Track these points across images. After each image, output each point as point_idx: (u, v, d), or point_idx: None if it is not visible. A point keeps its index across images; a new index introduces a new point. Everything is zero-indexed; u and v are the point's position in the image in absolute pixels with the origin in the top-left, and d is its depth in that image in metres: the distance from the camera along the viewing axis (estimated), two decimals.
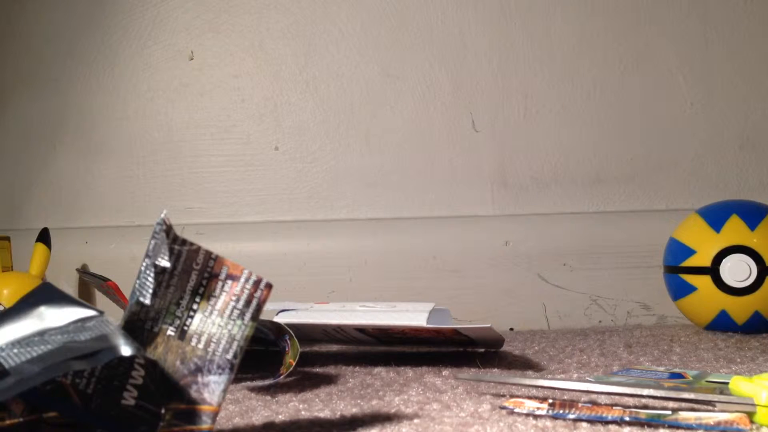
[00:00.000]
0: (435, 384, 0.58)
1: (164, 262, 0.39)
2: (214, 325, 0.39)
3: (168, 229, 0.39)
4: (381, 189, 1.04)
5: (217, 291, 0.39)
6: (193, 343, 0.39)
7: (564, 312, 1.00)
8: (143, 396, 0.39)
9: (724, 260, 0.82)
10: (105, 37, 1.05)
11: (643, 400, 0.48)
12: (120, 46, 1.05)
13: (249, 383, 0.61)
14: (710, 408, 0.45)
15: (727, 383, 0.51)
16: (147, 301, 0.39)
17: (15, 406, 0.40)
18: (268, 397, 0.54)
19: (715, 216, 0.84)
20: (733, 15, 1.03)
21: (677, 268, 0.85)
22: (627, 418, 0.43)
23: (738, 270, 0.81)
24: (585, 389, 0.47)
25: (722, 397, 0.43)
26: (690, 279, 0.84)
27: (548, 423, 0.44)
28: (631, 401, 0.49)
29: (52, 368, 0.35)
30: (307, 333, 0.71)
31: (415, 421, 0.46)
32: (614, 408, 0.45)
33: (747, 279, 0.81)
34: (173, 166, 1.05)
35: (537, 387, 0.52)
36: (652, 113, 1.04)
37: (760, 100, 1.03)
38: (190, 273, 0.39)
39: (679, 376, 0.56)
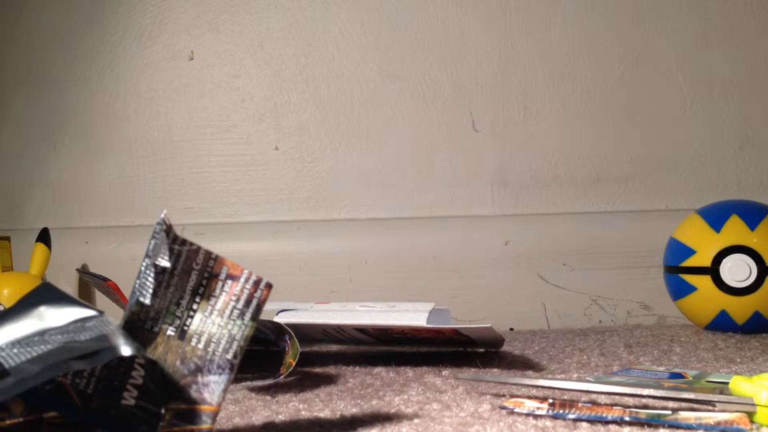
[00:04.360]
0: (435, 384, 0.58)
1: (164, 262, 0.39)
2: (214, 325, 0.39)
3: (168, 229, 0.39)
4: (381, 189, 1.04)
5: (217, 291, 0.39)
6: (193, 343, 0.39)
7: (564, 312, 1.00)
8: (143, 396, 0.39)
9: (724, 260, 0.82)
10: (105, 37, 1.05)
11: (643, 400, 0.48)
12: (120, 46, 1.05)
13: (249, 383, 0.61)
14: (710, 408, 0.45)
15: (727, 383, 0.51)
16: (147, 301, 0.39)
17: (15, 406, 0.40)
18: (268, 397, 0.54)
19: (715, 216, 0.84)
20: (733, 15, 1.03)
21: (677, 268, 0.85)
22: (627, 418, 0.43)
23: (738, 270, 0.81)
24: (585, 389, 0.47)
25: (722, 397, 0.43)
26: (690, 279, 0.84)
27: (548, 423, 0.44)
28: (631, 401, 0.49)
29: (52, 368, 0.35)
30: (307, 333, 0.72)
31: (415, 421, 0.46)
32: (614, 408, 0.45)
33: (747, 279, 0.81)
34: (173, 166, 1.05)
35: (537, 387, 0.52)
36: (652, 113, 1.04)
37: (760, 100, 1.03)
38: (190, 273, 0.39)
39: (679, 376, 0.56)
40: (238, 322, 0.39)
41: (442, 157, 1.04)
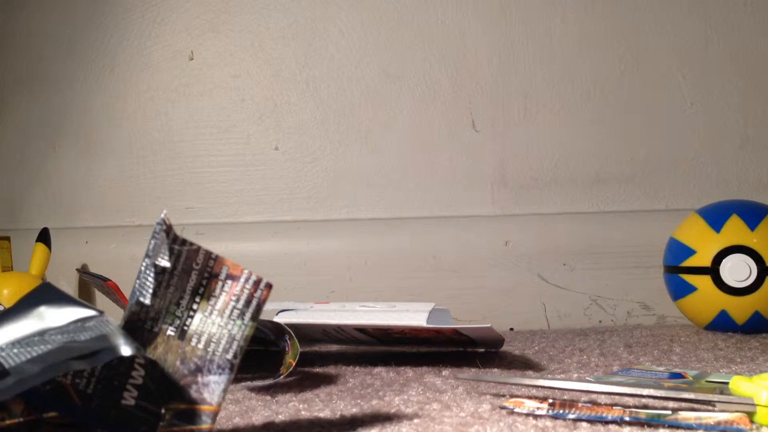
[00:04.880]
0: (435, 384, 0.58)
1: (164, 262, 0.39)
2: (214, 325, 0.39)
3: (168, 229, 0.39)
4: (381, 189, 1.04)
5: (217, 291, 0.39)
6: (193, 343, 0.39)
7: (564, 312, 1.00)
8: (143, 396, 0.39)
9: (724, 260, 0.82)
10: (105, 37, 1.05)
11: (643, 400, 0.48)
12: (120, 46, 1.05)
13: (249, 383, 0.61)
14: (710, 408, 0.45)
15: (727, 383, 0.51)
16: (147, 301, 0.39)
17: (15, 406, 0.40)
18: (268, 397, 0.54)
19: (715, 216, 0.84)
20: (733, 15, 1.03)
21: (677, 268, 0.85)
22: (627, 418, 0.43)
23: (738, 270, 0.81)
24: (585, 389, 0.47)
25: (722, 397, 0.43)
26: (690, 279, 0.84)
27: (548, 423, 0.44)
28: (631, 401, 0.49)
29: (52, 368, 0.35)
30: (307, 333, 0.72)
31: (415, 421, 0.46)
32: (614, 408, 0.45)
33: (747, 279, 0.81)
34: (173, 166, 1.05)
35: (537, 387, 0.52)
36: (652, 113, 1.04)
37: (760, 100, 1.03)
38: (190, 273, 0.39)
39: (679, 376, 0.56)
40: (238, 322, 0.39)
41: (442, 157, 1.04)
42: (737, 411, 0.43)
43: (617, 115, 1.04)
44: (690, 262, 0.84)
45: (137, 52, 1.05)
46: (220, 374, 0.39)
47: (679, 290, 0.85)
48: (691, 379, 0.54)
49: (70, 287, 1.02)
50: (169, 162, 1.05)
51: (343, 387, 0.58)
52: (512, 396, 0.52)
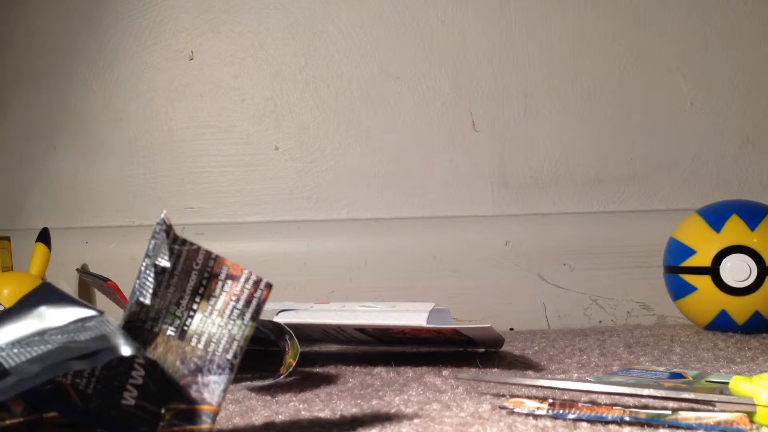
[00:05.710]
0: (435, 384, 0.58)
1: (164, 262, 0.39)
2: (214, 325, 0.39)
3: (168, 229, 0.39)
4: (381, 189, 1.04)
5: (217, 291, 0.39)
6: (193, 343, 0.39)
7: (564, 312, 1.00)
8: (143, 396, 0.39)
9: (724, 260, 0.82)
10: (105, 37, 1.05)
11: (643, 400, 0.48)
12: (120, 46, 1.05)
13: (249, 383, 0.61)
14: (710, 408, 0.45)
15: (727, 383, 0.51)
16: (147, 301, 0.39)
17: (15, 406, 0.40)
18: (268, 397, 0.54)
19: (715, 216, 0.84)
20: (733, 15, 1.03)
21: (677, 268, 0.85)
22: (627, 418, 0.43)
23: (738, 270, 0.81)
24: (585, 389, 0.47)
25: (722, 397, 0.43)
26: (690, 279, 0.84)
27: (548, 423, 0.44)
28: (631, 401, 0.49)
29: (52, 368, 0.35)
30: (307, 333, 0.71)
31: (415, 421, 0.46)
32: (614, 408, 0.45)
33: (747, 279, 0.81)
34: (173, 166, 1.05)
35: (537, 387, 0.52)
36: (652, 113, 1.04)
37: (760, 100, 1.03)
38: (190, 273, 0.39)
39: (679, 376, 0.56)
40: (238, 322, 0.39)
41: (442, 157, 1.04)
42: (737, 411, 0.43)
43: (617, 115, 1.04)
44: (690, 262, 0.84)
45: (137, 52, 1.05)
46: (220, 374, 0.39)
47: (679, 290, 0.85)
48: (691, 379, 0.54)
49: (70, 287, 1.02)
50: (169, 162, 1.05)
51: (343, 387, 0.58)
52: (512, 396, 0.52)
